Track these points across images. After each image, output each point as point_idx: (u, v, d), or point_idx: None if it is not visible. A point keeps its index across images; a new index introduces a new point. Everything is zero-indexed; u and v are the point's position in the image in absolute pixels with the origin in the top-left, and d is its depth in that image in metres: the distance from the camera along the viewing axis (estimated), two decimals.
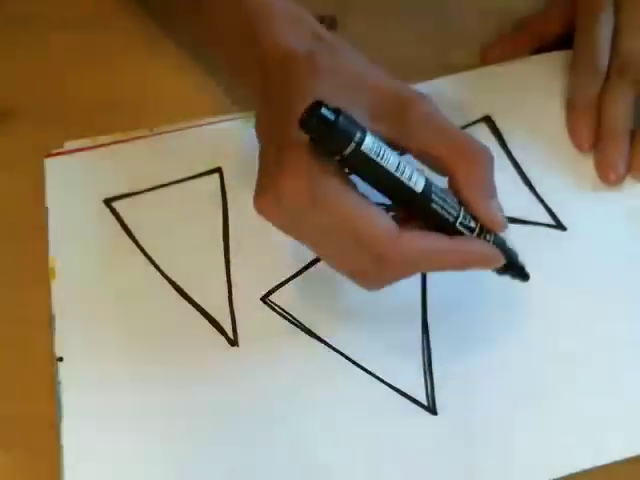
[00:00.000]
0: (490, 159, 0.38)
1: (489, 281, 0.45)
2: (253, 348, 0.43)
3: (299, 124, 0.34)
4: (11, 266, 0.46)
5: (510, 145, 0.49)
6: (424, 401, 0.42)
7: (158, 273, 0.45)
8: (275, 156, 0.36)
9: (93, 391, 0.42)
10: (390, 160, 0.35)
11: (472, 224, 0.38)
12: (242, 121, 0.49)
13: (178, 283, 0.45)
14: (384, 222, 0.36)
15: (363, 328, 0.44)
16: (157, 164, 0.48)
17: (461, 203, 0.38)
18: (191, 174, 0.48)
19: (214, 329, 0.44)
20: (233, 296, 0.45)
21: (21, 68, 0.52)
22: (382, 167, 0.35)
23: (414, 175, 0.36)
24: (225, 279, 0.45)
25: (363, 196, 0.36)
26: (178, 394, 0.42)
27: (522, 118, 0.50)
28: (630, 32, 0.49)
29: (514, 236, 0.46)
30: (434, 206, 0.37)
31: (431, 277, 0.45)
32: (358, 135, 0.34)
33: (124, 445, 0.41)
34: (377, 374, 0.42)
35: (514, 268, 0.41)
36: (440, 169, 0.38)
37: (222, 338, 0.44)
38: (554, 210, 0.47)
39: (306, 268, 0.45)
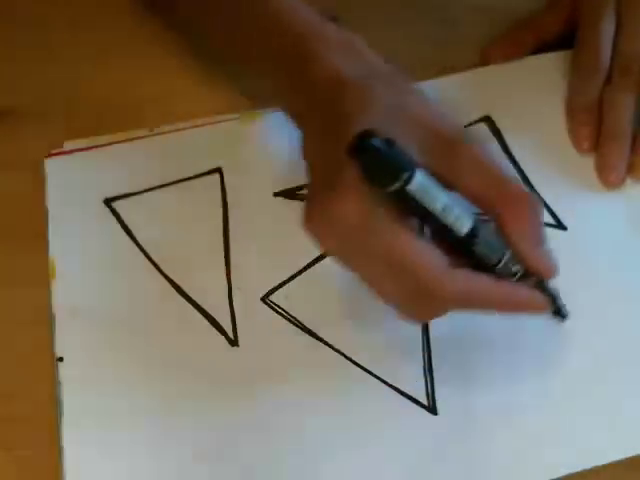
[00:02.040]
0: (538, 205, 0.38)
1: None
2: (253, 348, 0.43)
3: (347, 151, 0.33)
4: (11, 266, 0.46)
5: (510, 145, 0.49)
6: (424, 401, 0.42)
7: (158, 273, 0.45)
8: (327, 180, 0.36)
9: (93, 391, 0.42)
10: (437, 201, 0.34)
11: (514, 269, 0.37)
12: (242, 121, 0.49)
13: (178, 283, 0.45)
14: (434, 257, 0.35)
15: (363, 328, 0.44)
16: (157, 164, 0.48)
17: (509, 248, 0.37)
18: (191, 174, 0.48)
19: (214, 329, 0.44)
20: (233, 296, 0.45)
21: (22, 68, 0.52)
22: (426, 208, 0.34)
23: (460, 217, 0.35)
24: (225, 279, 0.45)
25: (413, 230, 0.36)
26: (178, 394, 0.42)
27: (522, 118, 0.50)
28: (632, 32, 0.49)
29: None
30: (476, 249, 0.36)
31: None
32: (407, 173, 0.33)
33: (124, 445, 0.41)
34: (377, 374, 0.42)
35: (555, 310, 0.40)
36: (488, 213, 0.38)
37: (222, 338, 0.44)
38: (554, 210, 0.47)
39: (306, 268, 0.45)
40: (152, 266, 0.45)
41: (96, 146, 0.49)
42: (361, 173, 0.33)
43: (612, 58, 0.49)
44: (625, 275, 0.45)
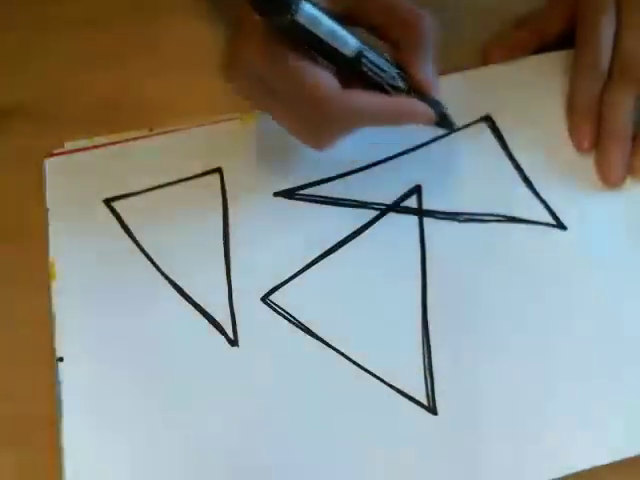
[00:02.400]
0: (428, 24, 0.41)
1: (489, 281, 0.45)
2: (253, 348, 0.43)
3: None
4: (11, 266, 0.46)
5: (510, 145, 0.49)
6: (424, 401, 0.42)
7: (158, 273, 0.45)
8: (236, 27, 0.41)
9: (93, 391, 0.42)
10: (324, 28, 0.39)
11: (400, 84, 0.42)
12: (242, 121, 0.49)
13: (178, 283, 0.45)
14: (328, 79, 0.39)
15: (363, 328, 0.44)
16: (157, 164, 0.48)
17: (399, 66, 0.42)
18: (191, 174, 0.48)
19: (214, 329, 0.44)
20: (233, 296, 0.45)
21: (21, 68, 0.52)
22: (316, 35, 0.39)
23: (347, 40, 0.40)
24: (225, 279, 0.45)
25: (309, 60, 0.40)
26: (178, 394, 0.42)
27: (522, 118, 0.50)
28: (632, 32, 0.49)
29: (514, 235, 0.46)
30: (364, 68, 0.41)
31: (431, 277, 0.45)
32: (294, 5, 0.37)
33: (124, 445, 0.41)
34: (377, 374, 0.42)
35: (442, 121, 0.44)
36: (381, 37, 0.42)
37: (222, 338, 0.44)
38: (554, 209, 0.47)
39: (306, 268, 0.45)
40: (152, 266, 0.45)
41: (96, 146, 0.49)
42: (255, 10, 0.38)
43: (612, 57, 0.49)
44: (625, 275, 0.45)
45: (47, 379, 0.43)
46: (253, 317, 0.44)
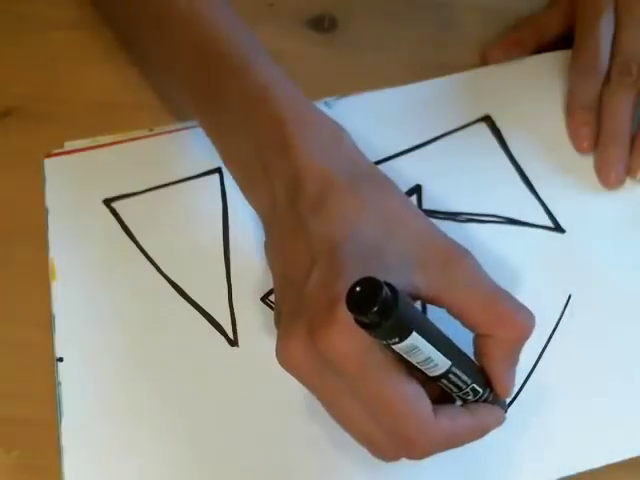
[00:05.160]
0: (531, 329, 0.36)
1: None
2: (253, 348, 0.43)
3: (347, 301, 0.30)
4: (11, 266, 0.46)
5: (510, 145, 0.49)
6: None
7: (158, 273, 0.45)
8: (315, 310, 0.34)
9: (93, 391, 0.42)
10: (422, 356, 0.33)
11: (479, 390, 0.37)
12: None
13: (178, 283, 0.45)
14: (421, 406, 0.34)
15: None
16: (157, 164, 0.48)
17: (480, 363, 0.37)
18: (191, 174, 0.48)
19: (214, 329, 0.44)
20: (233, 296, 0.45)
21: (21, 68, 0.52)
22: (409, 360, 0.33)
23: (435, 365, 0.34)
24: (225, 279, 0.45)
25: (403, 370, 0.34)
26: (178, 394, 0.42)
27: (522, 118, 0.50)
28: (630, 32, 0.49)
29: (512, 237, 0.46)
30: (442, 383, 0.35)
31: None
32: (399, 337, 0.31)
33: (124, 445, 0.41)
34: None
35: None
36: (474, 330, 0.36)
37: (222, 338, 0.44)
38: (553, 212, 0.47)
39: None
40: (152, 266, 0.45)
41: (96, 146, 0.49)
42: (357, 322, 0.31)
43: (611, 58, 0.49)
44: (625, 277, 0.45)
45: (47, 379, 0.43)
46: (253, 317, 0.44)
